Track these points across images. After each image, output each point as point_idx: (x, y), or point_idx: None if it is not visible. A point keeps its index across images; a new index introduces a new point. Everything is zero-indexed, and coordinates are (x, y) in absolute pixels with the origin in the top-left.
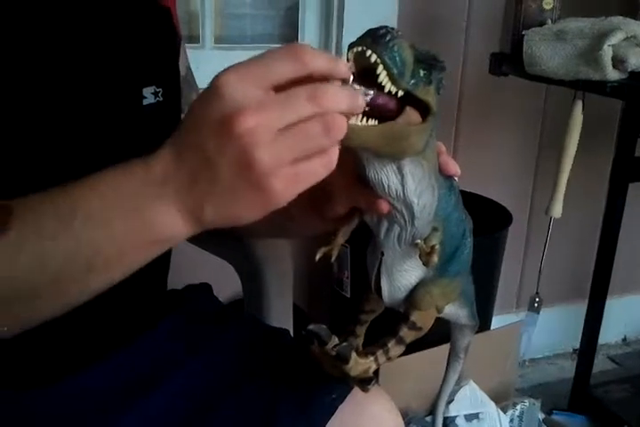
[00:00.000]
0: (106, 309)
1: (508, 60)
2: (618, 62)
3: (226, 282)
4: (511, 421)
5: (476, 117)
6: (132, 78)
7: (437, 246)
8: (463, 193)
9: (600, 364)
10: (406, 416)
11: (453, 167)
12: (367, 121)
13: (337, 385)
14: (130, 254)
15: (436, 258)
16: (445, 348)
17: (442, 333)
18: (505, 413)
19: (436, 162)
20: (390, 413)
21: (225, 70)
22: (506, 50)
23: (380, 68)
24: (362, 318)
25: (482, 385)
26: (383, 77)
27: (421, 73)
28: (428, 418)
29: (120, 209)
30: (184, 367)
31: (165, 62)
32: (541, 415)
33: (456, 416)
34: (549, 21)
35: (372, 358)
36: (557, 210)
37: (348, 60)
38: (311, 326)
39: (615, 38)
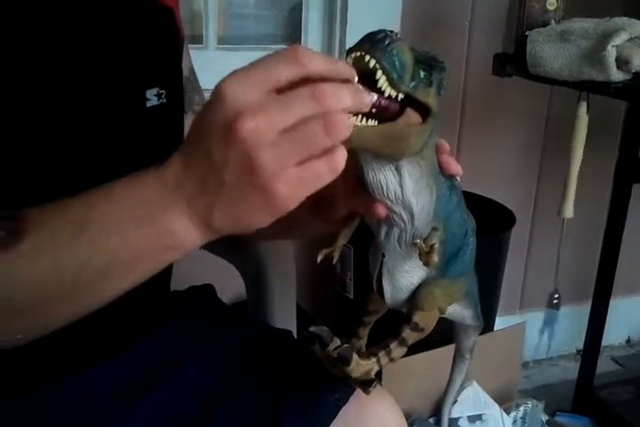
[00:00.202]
0: (109, 309)
1: (512, 61)
2: (622, 63)
3: (229, 283)
4: (514, 422)
5: (480, 118)
6: (135, 80)
7: (437, 246)
8: (466, 194)
9: (603, 365)
10: (410, 417)
11: (455, 167)
12: (367, 121)
13: (340, 386)
14: (144, 262)
15: (435, 258)
16: (449, 348)
17: (445, 333)
18: (508, 414)
19: (435, 162)
20: (393, 414)
21: (226, 76)
22: (509, 50)
23: (380, 73)
24: (365, 319)
25: (485, 386)
26: (382, 82)
27: (422, 74)
28: (432, 419)
29: (133, 217)
30: (186, 368)
31: (168, 64)
32: (545, 417)
33: (459, 418)
34: (553, 22)
35: (373, 360)
36: (569, 211)
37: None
38: (312, 328)
39: (619, 39)
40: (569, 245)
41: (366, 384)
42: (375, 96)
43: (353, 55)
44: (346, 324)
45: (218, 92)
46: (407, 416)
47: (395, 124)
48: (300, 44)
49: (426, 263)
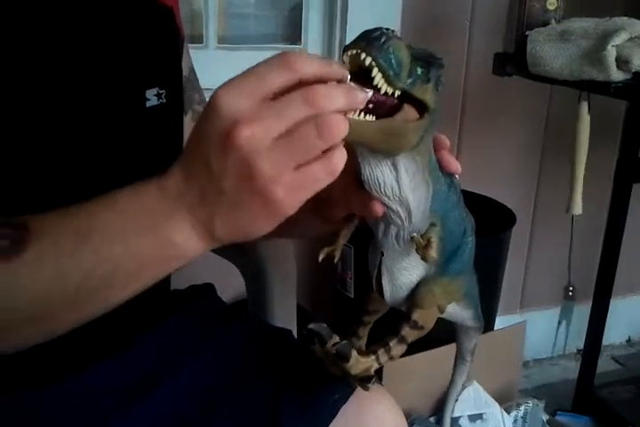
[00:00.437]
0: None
1: (512, 61)
2: (622, 63)
3: (229, 282)
4: (515, 421)
5: (480, 118)
6: (135, 80)
7: (434, 240)
8: (467, 194)
9: (604, 365)
10: (410, 417)
11: (454, 165)
12: (365, 116)
13: (340, 386)
14: (147, 270)
15: (433, 252)
16: (449, 348)
17: (446, 333)
18: (509, 413)
19: (430, 157)
20: (393, 413)
21: (220, 86)
22: (509, 50)
23: (375, 70)
24: (365, 318)
25: (486, 386)
26: (379, 80)
27: (419, 71)
28: (432, 419)
29: (136, 226)
30: (186, 367)
31: (168, 64)
32: (545, 416)
33: (460, 417)
34: (553, 21)
35: (373, 357)
36: (578, 207)
37: (343, 62)
38: (311, 325)
39: (619, 39)
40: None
41: (365, 381)
42: (370, 93)
43: (349, 53)
44: (346, 323)
45: (213, 102)
46: (407, 416)
47: (392, 120)
48: (301, 43)
49: (423, 257)
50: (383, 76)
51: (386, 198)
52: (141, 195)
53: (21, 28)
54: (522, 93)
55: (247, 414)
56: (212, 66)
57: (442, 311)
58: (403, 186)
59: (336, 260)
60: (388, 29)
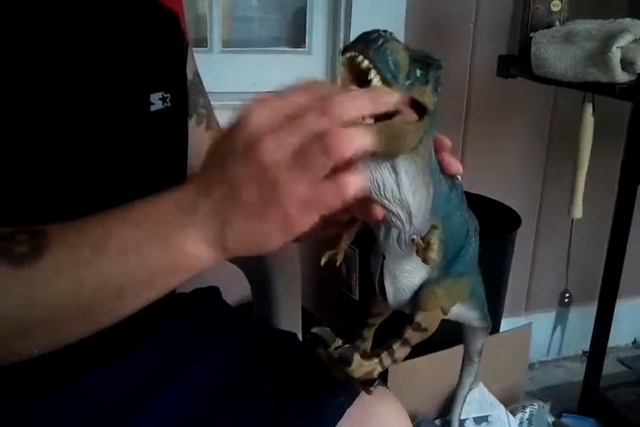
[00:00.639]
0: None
1: (516, 63)
2: (627, 64)
3: (234, 286)
4: (520, 423)
5: (484, 120)
6: (140, 84)
7: (434, 242)
8: (472, 196)
9: (610, 366)
10: (415, 419)
11: (455, 166)
12: (363, 120)
13: (345, 389)
14: (160, 280)
15: (433, 254)
16: (454, 350)
17: (450, 335)
18: (514, 416)
19: (432, 158)
20: (398, 416)
21: (250, 103)
22: (514, 52)
23: (373, 73)
24: (369, 321)
25: (491, 388)
26: (376, 82)
27: (418, 73)
28: (438, 421)
29: (151, 237)
30: (191, 370)
31: (173, 68)
32: (551, 418)
33: (465, 419)
34: (557, 23)
35: (376, 360)
36: (578, 211)
37: (342, 65)
38: (315, 329)
39: (624, 40)
40: (575, 246)
41: (368, 384)
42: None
43: (347, 55)
44: (351, 326)
45: (242, 116)
46: (413, 418)
47: (391, 123)
48: (305, 47)
49: (424, 260)
50: (381, 79)
51: (386, 201)
52: (156, 207)
53: (26, 31)
54: (526, 95)
55: (252, 418)
56: (216, 69)
57: (445, 313)
58: (403, 188)
59: (338, 263)
60: (385, 31)
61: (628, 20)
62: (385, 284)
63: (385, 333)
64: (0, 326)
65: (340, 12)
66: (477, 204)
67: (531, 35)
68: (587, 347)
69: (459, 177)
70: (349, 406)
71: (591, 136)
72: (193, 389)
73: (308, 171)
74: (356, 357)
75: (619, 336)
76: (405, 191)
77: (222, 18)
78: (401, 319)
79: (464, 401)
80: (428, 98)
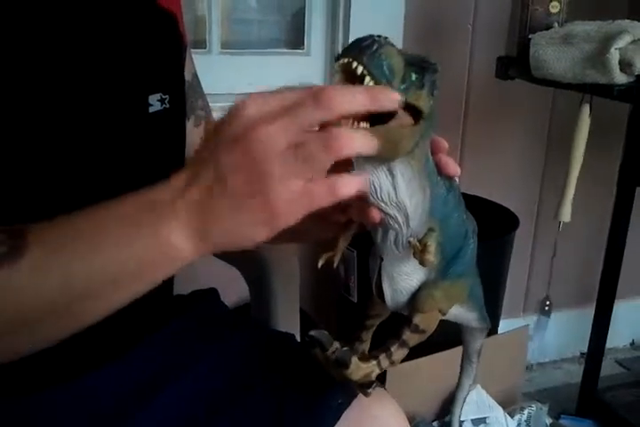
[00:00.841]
0: (112, 313)
1: (515, 64)
2: (625, 66)
3: (232, 287)
4: (518, 425)
5: (483, 121)
6: (138, 86)
7: (431, 244)
8: (470, 197)
9: (608, 368)
10: (413, 421)
11: (452, 167)
12: (359, 124)
13: (343, 390)
14: (150, 271)
15: (430, 256)
16: (452, 352)
17: (448, 336)
18: (512, 417)
19: (428, 161)
20: (396, 418)
21: (248, 96)
22: (512, 53)
23: (367, 79)
24: (367, 323)
25: (489, 389)
26: None
27: (413, 77)
28: (436, 423)
29: (139, 227)
30: (191, 371)
31: (171, 69)
32: (549, 420)
33: (463, 421)
34: (556, 25)
35: (374, 362)
36: (566, 214)
37: (336, 71)
38: (312, 332)
39: (622, 41)
40: (572, 247)
41: (365, 386)
42: None
43: (341, 61)
44: (350, 328)
45: (236, 106)
46: (411, 420)
47: (387, 127)
48: (303, 48)
49: (421, 262)
50: (375, 84)
51: (383, 204)
52: (144, 197)
53: (25, 32)
54: (525, 97)
55: (252, 418)
56: (215, 71)
57: (444, 314)
58: (399, 191)
59: (335, 265)
60: (380, 36)
61: (627, 21)
62: (383, 286)
63: (383, 334)
64: None
65: (339, 13)
66: (475, 205)
67: (529, 36)
68: (584, 348)
69: (456, 178)
70: (348, 406)
71: (586, 138)
72: (193, 389)
73: (304, 167)
74: (354, 359)
75: (616, 337)
76: (402, 194)
77: (221, 19)
78: (399, 321)
79: (464, 401)
80: (423, 102)
